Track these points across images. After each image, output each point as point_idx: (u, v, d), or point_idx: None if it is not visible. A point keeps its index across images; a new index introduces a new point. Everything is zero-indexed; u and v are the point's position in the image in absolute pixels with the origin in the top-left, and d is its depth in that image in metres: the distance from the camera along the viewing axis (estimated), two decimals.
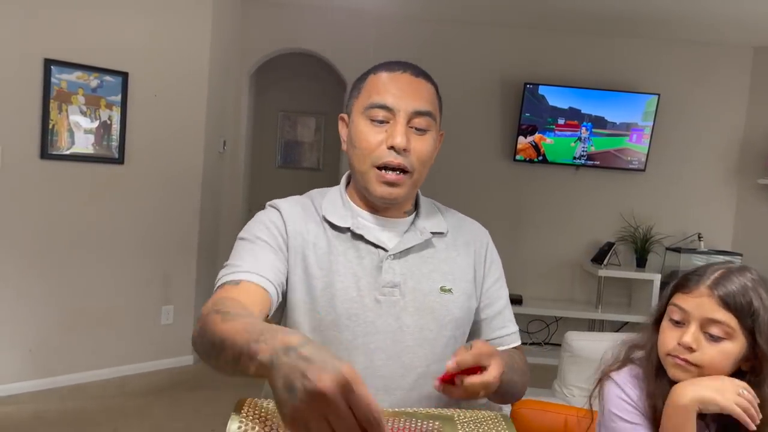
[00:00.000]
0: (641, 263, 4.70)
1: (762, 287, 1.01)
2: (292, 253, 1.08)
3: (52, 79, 3.20)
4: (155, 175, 3.63)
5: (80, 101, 3.31)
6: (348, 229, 1.10)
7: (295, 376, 0.61)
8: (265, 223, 1.09)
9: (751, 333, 0.98)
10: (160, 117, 3.62)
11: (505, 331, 1.18)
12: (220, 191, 4.30)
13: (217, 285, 1.01)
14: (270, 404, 0.77)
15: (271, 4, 4.43)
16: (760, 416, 0.96)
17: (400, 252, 1.09)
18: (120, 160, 3.49)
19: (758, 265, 4.28)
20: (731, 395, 0.95)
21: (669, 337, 1.03)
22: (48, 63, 3.18)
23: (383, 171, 1.05)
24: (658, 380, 1.03)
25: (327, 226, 1.11)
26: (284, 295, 1.08)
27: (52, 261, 3.31)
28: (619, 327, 4.67)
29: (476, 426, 0.75)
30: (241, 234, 1.09)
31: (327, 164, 5.56)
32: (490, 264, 1.20)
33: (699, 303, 1.00)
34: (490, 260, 1.20)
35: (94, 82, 3.35)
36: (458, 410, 0.79)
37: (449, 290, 1.10)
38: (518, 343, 1.20)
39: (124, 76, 3.44)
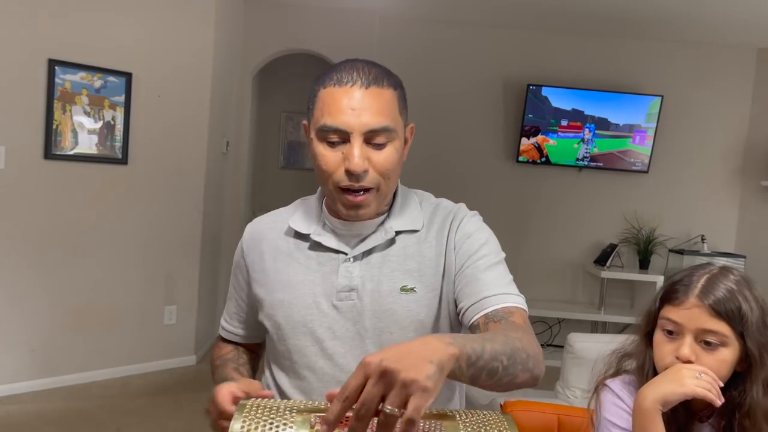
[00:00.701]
0: (644, 265, 4.69)
1: (746, 287, 1.01)
2: (254, 278, 1.14)
3: (56, 80, 3.21)
4: (158, 176, 3.64)
5: (84, 102, 3.32)
6: (309, 236, 1.09)
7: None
8: (233, 267, 1.22)
9: (742, 336, 0.99)
10: (163, 117, 3.63)
11: (493, 291, 1.00)
12: (224, 192, 4.30)
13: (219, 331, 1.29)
14: (273, 403, 0.77)
15: (274, 4, 4.44)
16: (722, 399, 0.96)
17: (361, 254, 1.06)
18: (123, 161, 3.50)
19: (761, 267, 4.25)
20: (690, 380, 0.95)
21: (666, 352, 1.02)
22: (52, 63, 3.19)
23: (346, 194, 1.01)
24: None
25: (290, 234, 1.12)
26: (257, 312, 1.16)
27: (55, 261, 3.32)
28: (622, 329, 4.66)
29: (478, 426, 0.75)
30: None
31: None
32: (461, 242, 1.07)
33: (690, 315, 1.00)
34: (459, 238, 1.07)
35: (97, 83, 3.36)
36: (460, 410, 0.79)
37: (411, 289, 1.04)
38: (507, 303, 1.00)
39: (128, 76, 3.45)
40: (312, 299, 1.05)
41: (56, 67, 3.20)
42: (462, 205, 1.14)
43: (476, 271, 1.03)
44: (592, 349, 2.33)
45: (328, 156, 1.00)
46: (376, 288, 1.04)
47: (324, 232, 1.09)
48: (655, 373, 1.04)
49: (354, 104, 0.98)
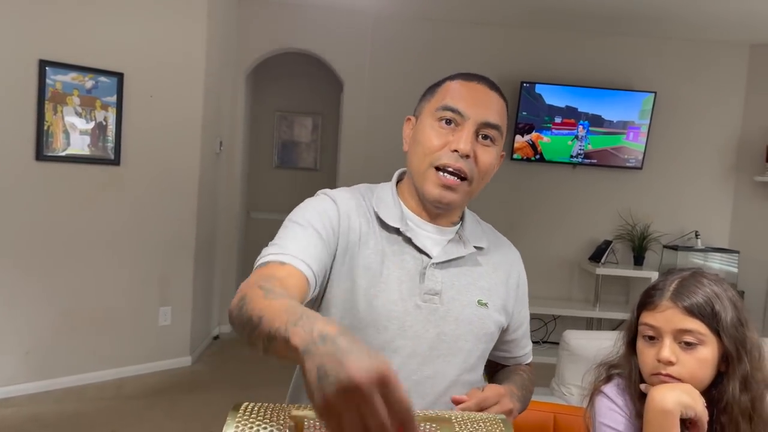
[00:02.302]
0: (639, 261, 4.71)
1: (718, 287, 1.04)
2: (341, 247, 1.06)
3: (47, 81, 3.19)
4: (151, 176, 3.62)
5: (75, 102, 3.30)
6: (397, 230, 1.09)
7: (331, 365, 0.59)
8: (319, 212, 1.06)
9: (718, 335, 1.02)
10: (155, 118, 3.61)
11: (526, 349, 1.27)
12: (217, 192, 4.29)
13: (259, 261, 0.98)
14: (267, 407, 0.76)
15: (267, 3, 4.42)
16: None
17: (443, 261, 1.09)
18: (116, 162, 3.48)
19: (755, 262, 4.27)
20: (701, 403, 0.99)
21: (648, 356, 1.06)
22: (43, 64, 3.16)
23: (441, 173, 1.05)
24: (642, 401, 1.05)
25: (377, 224, 1.10)
26: (323, 288, 1.06)
27: (48, 263, 3.30)
28: (616, 325, 4.67)
29: (474, 428, 0.74)
30: (293, 216, 1.06)
31: (324, 164, 5.55)
32: (524, 288, 1.24)
33: (666, 317, 1.03)
34: (522, 284, 1.23)
35: (89, 83, 3.33)
36: (456, 412, 0.78)
37: (485, 304, 1.12)
38: (531, 358, 1.30)
39: (119, 76, 3.43)
40: (398, 295, 1.06)
41: (47, 68, 3.18)
42: (519, 253, 1.27)
43: (526, 320, 1.26)
44: (587, 346, 2.34)
45: (436, 135, 1.06)
46: (456, 297, 1.09)
47: (410, 228, 1.10)
48: (642, 380, 1.07)
49: (476, 96, 1.07)
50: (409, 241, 1.09)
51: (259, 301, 0.80)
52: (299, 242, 1.00)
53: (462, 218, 1.18)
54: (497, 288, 1.15)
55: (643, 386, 1.06)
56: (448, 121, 1.06)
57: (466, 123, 1.05)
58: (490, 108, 1.07)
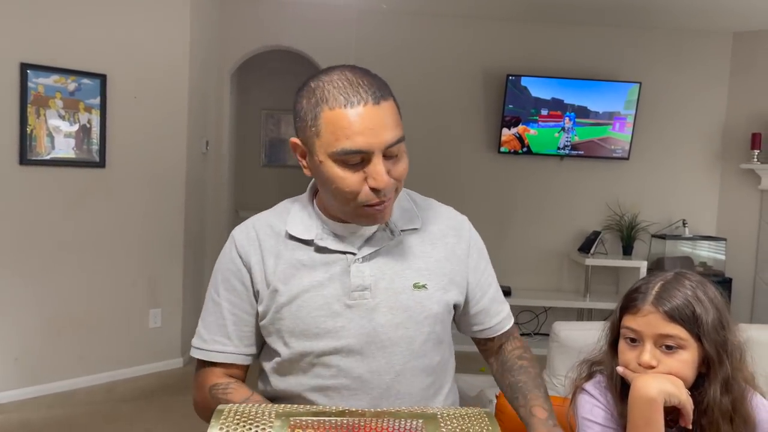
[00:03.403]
0: (628, 251, 4.73)
1: (700, 290, 1.06)
2: (257, 279, 1.09)
3: (29, 84, 3.15)
4: (138, 178, 3.59)
5: (58, 105, 3.27)
6: (312, 242, 1.09)
7: None
8: (224, 274, 1.13)
9: (698, 339, 1.03)
10: (140, 119, 3.58)
11: (500, 315, 1.23)
12: (205, 192, 4.27)
13: (192, 354, 1.15)
14: (250, 408, 0.76)
15: (250, 1, 4.39)
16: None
17: (369, 254, 1.08)
18: (101, 164, 3.45)
19: (742, 249, 4.30)
20: (685, 392, 1.01)
21: (629, 358, 1.07)
22: (24, 67, 3.13)
23: (370, 208, 1.02)
24: (623, 401, 1.06)
25: (290, 240, 1.10)
26: (265, 320, 1.11)
27: (35, 267, 3.27)
28: (607, 315, 4.68)
29: (459, 423, 0.74)
30: (210, 286, 1.16)
31: None
32: (477, 255, 1.19)
33: (647, 321, 1.04)
34: (475, 251, 1.19)
35: (71, 86, 3.30)
36: (442, 408, 0.78)
37: (423, 286, 1.10)
38: (512, 321, 1.25)
39: (102, 78, 3.40)
40: (323, 301, 1.06)
41: (28, 71, 3.14)
42: (465, 219, 1.22)
43: (490, 287, 1.21)
44: (576, 337, 2.35)
45: (350, 178, 0.99)
46: (389, 286, 1.08)
47: (326, 236, 1.09)
48: (623, 380, 1.08)
49: (370, 123, 0.96)
50: (325, 249, 1.08)
51: (223, 397, 1.08)
52: (218, 325, 1.12)
53: None
54: (439, 264, 1.12)
55: (620, 369, 1.06)
56: (353, 164, 0.99)
57: (374, 157, 0.97)
58: (386, 126, 0.98)
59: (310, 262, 1.08)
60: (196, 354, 1.14)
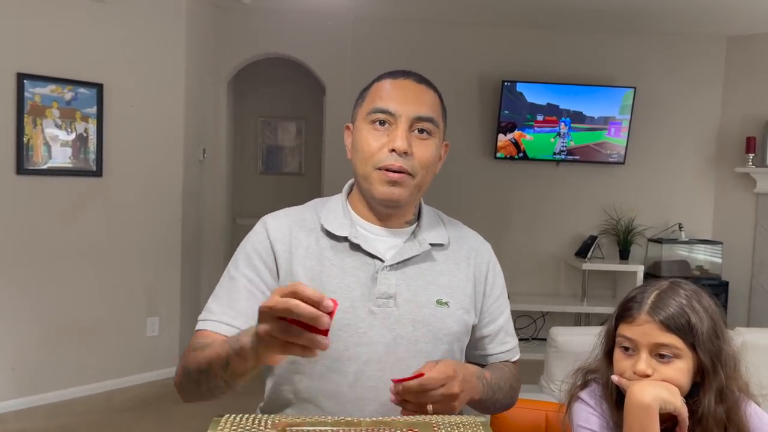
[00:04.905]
0: (624, 255, 4.74)
1: (695, 300, 1.06)
2: (282, 269, 1.09)
3: (26, 94, 3.16)
4: (135, 187, 3.60)
5: (55, 115, 3.28)
6: (345, 239, 1.10)
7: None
8: (248, 253, 1.11)
9: (693, 348, 1.04)
10: (137, 127, 3.59)
11: (506, 346, 1.22)
12: (202, 200, 4.27)
13: (198, 328, 1.11)
14: (247, 418, 0.77)
15: (245, 9, 4.41)
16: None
17: (397, 263, 1.09)
18: (98, 173, 3.45)
19: (738, 252, 4.30)
20: (680, 398, 1.01)
21: (624, 367, 1.07)
22: (21, 77, 3.14)
23: (385, 171, 1.06)
24: (619, 410, 1.06)
25: (323, 235, 1.11)
26: None
27: (33, 277, 3.27)
28: (605, 320, 4.70)
29: (453, 431, 0.75)
30: (230, 263, 1.13)
31: (309, 169, 5.54)
32: (493, 280, 1.20)
33: (643, 330, 1.05)
34: (492, 277, 1.20)
35: (68, 95, 3.31)
36: (437, 416, 0.79)
37: (446, 303, 1.10)
38: (517, 356, 1.24)
39: (99, 87, 3.40)
40: (349, 303, 1.06)
41: (25, 81, 3.15)
42: (489, 246, 1.25)
43: (501, 316, 1.21)
44: (574, 342, 2.35)
45: (372, 138, 1.08)
46: (413, 298, 1.09)
47: (359, 235, 1.11)
48: (618, 388, 1.08)
49: (405, 93, 1.08)
50: (358, 247, 1.09)
51: (199, 356, 0.97)
52: (226, 302, 1.10)
53: (419, 216, 1.18)
54: (461, 285, 1.14)
55: (615, 377, 1.07)
56: (382, 122, 1.07)
57: (399, 121, 1.06)
58: (421, 102, 1.09)
59: (339, 261, 1.09)
60: (202, 326, 1.09)
